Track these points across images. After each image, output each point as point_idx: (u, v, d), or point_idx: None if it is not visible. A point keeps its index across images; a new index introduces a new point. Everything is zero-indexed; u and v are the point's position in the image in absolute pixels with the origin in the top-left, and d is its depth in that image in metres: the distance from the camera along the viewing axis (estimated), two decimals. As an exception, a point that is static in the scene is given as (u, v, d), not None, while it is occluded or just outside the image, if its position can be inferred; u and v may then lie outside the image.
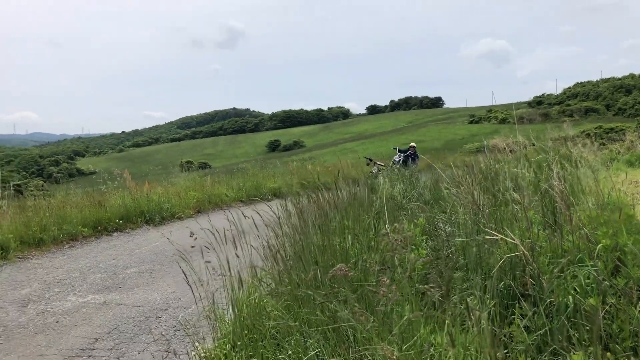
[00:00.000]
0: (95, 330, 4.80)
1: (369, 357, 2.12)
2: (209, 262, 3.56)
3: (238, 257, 3.71)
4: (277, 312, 3.09)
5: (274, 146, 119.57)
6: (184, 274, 3.65)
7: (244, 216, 4.34)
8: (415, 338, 2.06)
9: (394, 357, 1.73)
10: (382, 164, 14.60)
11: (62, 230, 8.63)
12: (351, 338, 2.21)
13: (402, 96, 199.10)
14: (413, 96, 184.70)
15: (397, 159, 16.46)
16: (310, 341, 2.55)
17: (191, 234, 3.55)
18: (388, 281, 1.94)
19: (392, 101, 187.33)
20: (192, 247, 3.61)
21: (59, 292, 6.01)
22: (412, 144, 17.72)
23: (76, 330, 4.83)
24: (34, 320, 5.08)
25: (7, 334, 4.72)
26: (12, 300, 5.66)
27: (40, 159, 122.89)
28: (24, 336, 4.68)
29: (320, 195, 4.85)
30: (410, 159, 16.73)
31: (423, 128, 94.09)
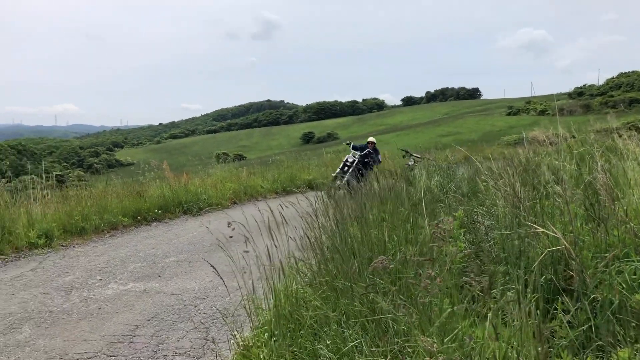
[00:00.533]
0: (136, 318, 4.92)
1: (408, 350, 2.11)
2: (247, 251, 3.60)
3: (276, 247, 3.73)
4: (315, 303, 3.10)
5: (307, 138, 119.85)
6: (214, 268, 3.70)
7: (281, 207, 4.37)
8: (456, 331, 2.04)
9: (435, 349, 1.72)
10: (419, 156, 13.90)
11: (103, 220, 8.86)
12: (391, 330, 2.20)
13: (439, 87, 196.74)
14: (450, 87, 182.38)
15: (349, 161, 12.54)
16: (349, 332, 2.56)
17: (229, 224, 3.59)
18: (433, 273, 1.92)
19: (428, 92, 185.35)
20: (230, 237, 3.64)
21: (101, 279, 6.18)
22: (371, 138, 13.37)
23: (117, 317, 4.95)
24: (77, 307, 5.23)
25: (53, 319, 4.88)
26: (57, 287, 5.84)
27: (80, 150, 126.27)
28: (68, 321, 4.83)
29: (358, 187, 4.84)
30: (369, 161, 12.74)
31: (460, 120, 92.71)
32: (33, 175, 10.33)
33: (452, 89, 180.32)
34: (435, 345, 1.76)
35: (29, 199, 8.78)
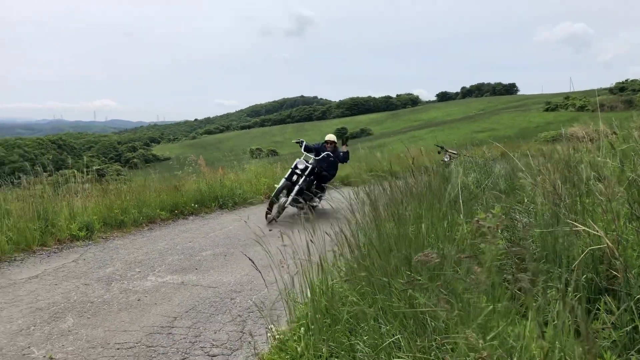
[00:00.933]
0: (174, 309, 5.02)
1: (447, 346, 2.11)
2: (285, 245, 3.63)
3: (312, 242, 3.76)
4: (352, 298, 3.11)
5: (340, 134, 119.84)
6: (252, 262, 3.74)
7: (326, 203, 4.39)
8: (498, 329, 2.02)
9: (480, 345, 1.71)
10: (455, 152, 13.42)
11: (141, 213, 9.05)
12: (430, 326, 2.20)
13: (474, 82, 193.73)
14: (485, 82, 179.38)
15: (300, 168, 9.70)
16: (387, 327, 2.56)
17: (267, 216, 3.62)
18: (479, 269, 1.91)
19: (463, 88, 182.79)
20: (270, 230, 3.68)
21: (140, 271, 6.32)
22: (330, 136, 10.74)
23: (156, 308, 5.06)
24: (117, 298, 5.37)
25: (94, 310, 5.02)
26: (97, 278, 6.00)
27: (118, 145, 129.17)
28: (108, 312, 4.96)
29: (392, 184, 4.83)
30: (326, 168, 10.29)
31: (496, 115, 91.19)
32: (74, 170, 10.62)
33: (488, 84, 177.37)
34: (480, 341, 1.75)
35: (70, 193, 9.04)
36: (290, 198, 9.16)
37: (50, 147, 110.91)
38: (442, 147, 14.26)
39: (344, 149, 10.63)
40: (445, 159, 12.97)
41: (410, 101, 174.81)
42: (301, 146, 10.40)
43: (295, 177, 9.48)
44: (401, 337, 2.38)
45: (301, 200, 9.11)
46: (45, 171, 9.99)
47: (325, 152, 10.22)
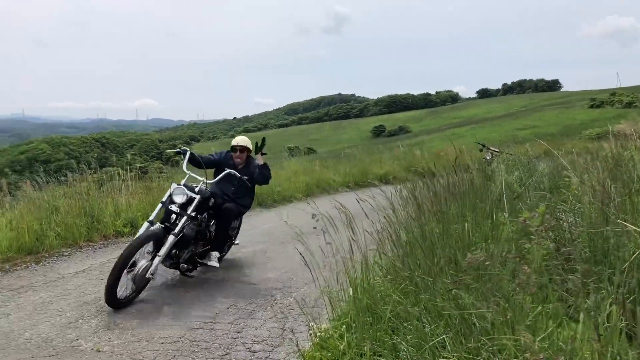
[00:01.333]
0: (216, 305, 5.10)
1: (494, 348, 2.07)
2: (329, 243, 3.64)
3: (354, 240, 3.76)
4: (395, 297, 3.10)
5: (378, 132, 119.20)
6: (302, 257, 3.77)
7: (358, 200, 4.38)
8: (547, 331, 1.98)
9: (536, 347, 1.67)
10: (497, 150, 13.08)
11: (183, 210, 9.22)
12: (477, 327, 2.17)
13: (516, 79, 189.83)
14: (527, 79, 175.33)
15: (178, 202, 5.63)
16: (431, 327, 2.54)
17: (313, 216, 3.65)
18: (529, 269, 1.87)
19: (504, 84, 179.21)
20: (314, 228, 3.70)
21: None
22: (240, 140, 6.81)
23: (198, 304, 5.15)
24: (161, 293, 5.50)
25: (138, 304, 5.14)
26: (142, 273, 6.13)
27: (159, 144, 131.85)
28: (153, 307, 5.07)
29: (434, 182, 4.78)
30: (232, 192, 6.53)
31: (538, 112, 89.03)
32: (118, 168, 10.90)
33: (530, 80, 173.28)
34: (536, 342, 1.72)
35: (114, 190, 9.28)
36: (156, 262, 5.14)
37: (94, 145, 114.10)
38: (483, 145, 14.03)
39: (260, 160, 6.69)
40: (487, 157, 12.72)
41: (450, 98, 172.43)
42: (183, 158, 6.19)
43: (173, 218, 5.55)
44: (446, 337, 2.37)
45: (184, 261, 5.71)
46: (89, 169, 10.27)
47: (227, 171, 6.23)
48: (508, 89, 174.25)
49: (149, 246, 5.35)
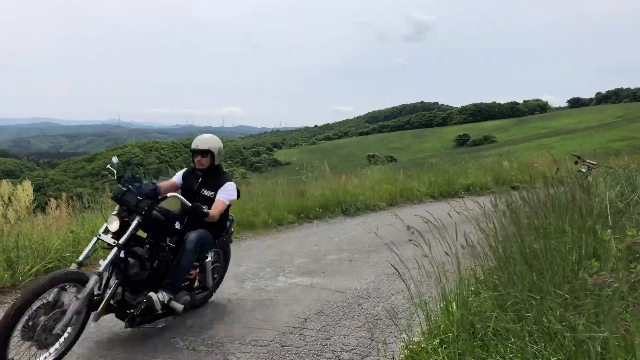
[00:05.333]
0: (304, 311, 5.16)
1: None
2: (425, 256, 3.59)
3: (447, 254, 3.68)
4: (494, 313, 3.00)
5: (462, 141, 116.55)
6: (400, 261, 3.74)
7: (453, 213, 4.29)
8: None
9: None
10: (594, 163, 12.29)
11: (270, 215, 9.46)
12: (594, 351, 2.05)
13: (611, 87, 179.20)
14: (624, 87, 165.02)
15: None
16: (535, 347, 2.43)
17: (408, 228, 3.61)
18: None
19: (598, 93, 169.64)
20: (412, 232, 3.66)
21: (270, 271, 6.58)
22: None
23: (287, 308, 5.24)
24: (251, 296, 5.64)
25: (231, 306, 5.31)
26: (232, 276, 6.33)
27: (243, 150, 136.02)
28: (243, 309, 5.22)
29: (530, 194, 4.60)
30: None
31: (636, 123, 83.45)
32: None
33: (628, 89, 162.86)
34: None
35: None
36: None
37: (183, 150, 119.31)
38: (579, 157, 13.34)
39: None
40: (583, 170, 12.07)
41: (539, 107, 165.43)
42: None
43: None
44: (555, 359, 2.26)
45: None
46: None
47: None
48: (602, 98, 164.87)
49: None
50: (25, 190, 7.07)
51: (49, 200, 7.95)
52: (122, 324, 4.37)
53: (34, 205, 7.29)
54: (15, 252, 5.77)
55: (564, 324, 2.23)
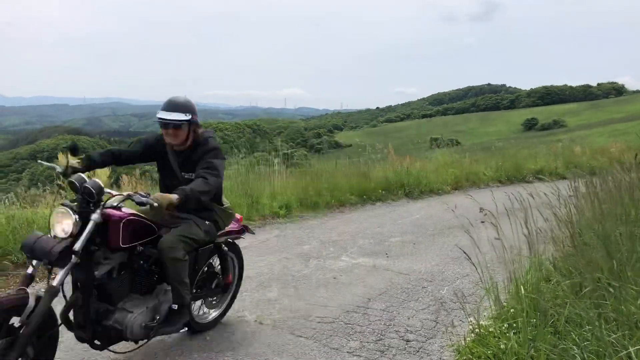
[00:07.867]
0: (368, 291, 5.18)
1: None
2: (497, 238, 3.52)
3: (525, 235, 3.59)
4: (567, 300, 2.90)
5: (530, 125, 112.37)
6: (464, 251, 3.69)
7: (524, 198, 4.17)
8: None
9: None
10: None
11: (333, 197, 9.51)
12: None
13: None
14: None
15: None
16: (614, 336, 2.35)
17: (481, 209, 3.55)
18: None
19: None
20: (482, 221, 3.60)
21: (334, 251, 6.63)
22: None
23: (351, 288, 5.28)
24: (315, 274, 5.71)
25: (295, 283, 5.40)
26: (297, 254, 6.43)
27: (305, 132, 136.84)
28: (308, 287, 5.30)
29: (608, 180, 4.41)
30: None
31: None
32: (272, 152, 11.50)
33: None
34: None
35: (269, 173, 9.83)
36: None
37: (247, 131, 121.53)
38: (658, 143, 12.58)
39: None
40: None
41: (614, 90, 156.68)
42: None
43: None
44: (635, 349, 2.17)
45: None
46: (251, 152, 10.94)
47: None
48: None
49: None
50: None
51: (121, 177, 8.43)
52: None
53: (111, 180, 7.73)
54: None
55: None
